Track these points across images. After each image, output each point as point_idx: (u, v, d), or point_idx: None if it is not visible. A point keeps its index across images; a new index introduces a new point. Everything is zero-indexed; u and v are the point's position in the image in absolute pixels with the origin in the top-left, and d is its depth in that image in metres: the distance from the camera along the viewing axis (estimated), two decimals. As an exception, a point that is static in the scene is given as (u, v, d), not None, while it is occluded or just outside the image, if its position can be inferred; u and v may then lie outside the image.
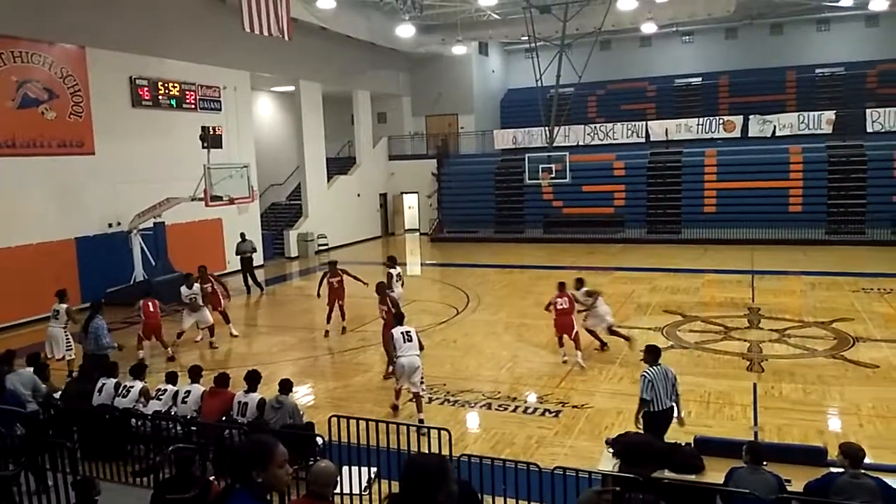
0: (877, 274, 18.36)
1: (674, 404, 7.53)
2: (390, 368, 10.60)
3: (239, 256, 19.55)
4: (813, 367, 11.11)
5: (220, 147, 17.88)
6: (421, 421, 8.96)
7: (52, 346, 11.77)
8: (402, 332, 9.56)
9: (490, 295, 17.89)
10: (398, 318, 10.03)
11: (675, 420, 7.60)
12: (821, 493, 5.41)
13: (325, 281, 14.49)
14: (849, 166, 25.41)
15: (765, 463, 5.70)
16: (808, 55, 31.18)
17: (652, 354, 7.67)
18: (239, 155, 20.79)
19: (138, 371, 8.94)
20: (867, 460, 5.65)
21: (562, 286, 12.12)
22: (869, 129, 25.92)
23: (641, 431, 7.31)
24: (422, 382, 9.54)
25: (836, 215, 24.86)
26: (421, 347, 9.71)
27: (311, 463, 6.06)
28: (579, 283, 12.64)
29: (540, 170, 24.74)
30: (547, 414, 9.46)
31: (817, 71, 30.85)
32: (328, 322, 14.30)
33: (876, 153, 25.19)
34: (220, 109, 21.74)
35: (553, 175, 24.58)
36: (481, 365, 11.96)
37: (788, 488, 5.62)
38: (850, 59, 30.28)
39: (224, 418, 8.10)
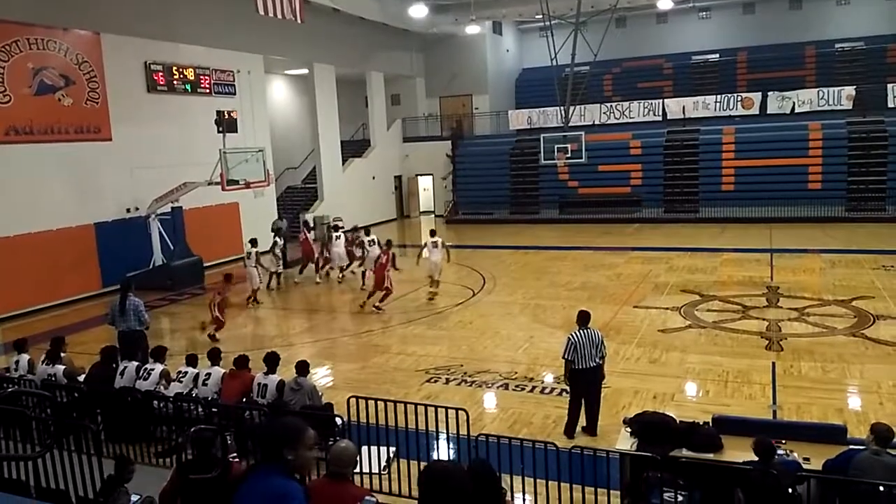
0: (898, 251, 18.12)
1: (598, 363, 8.09)
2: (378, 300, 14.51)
3: (273, 233, 19.19)
4: (833, 346, 11.03)
5: (236, 131, 17.96)
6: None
7: None
8: (431, 242, 15.37)
9: (506, 276, 17.88)
10: (431, 233, 16.02)
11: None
12: (840, 470, 5.38)
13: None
14: (869, 142, 25.03)
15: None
16: (828, 30, 30.61)
17: (581, 318, 8.27)
18: (254, 139, 20.85)
19: (159, 354, 9.05)
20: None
21: None
22: (890, 105, 25.48)
23: (658, 411, 7.31)
24: (440, 275, 15.36)
25: (856, 192, 24.53)
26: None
27: (330, 443, 6.12)
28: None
29: (555, 150, 24.57)
30: (564, 394, 9.42)
31: (837, 46, 30.32)
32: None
33: (898, 129, 24.78)
34: (234, 93, 21.75)
35: (569, 155, 24.41)
36: (498, 346, 11.99)
37: (806, 466, 5.60)
38: (870, 34, 29.69)
39: (244, 400, 8.20)
